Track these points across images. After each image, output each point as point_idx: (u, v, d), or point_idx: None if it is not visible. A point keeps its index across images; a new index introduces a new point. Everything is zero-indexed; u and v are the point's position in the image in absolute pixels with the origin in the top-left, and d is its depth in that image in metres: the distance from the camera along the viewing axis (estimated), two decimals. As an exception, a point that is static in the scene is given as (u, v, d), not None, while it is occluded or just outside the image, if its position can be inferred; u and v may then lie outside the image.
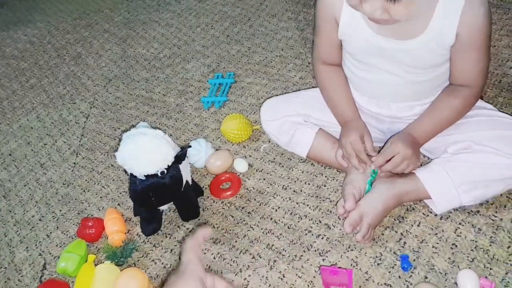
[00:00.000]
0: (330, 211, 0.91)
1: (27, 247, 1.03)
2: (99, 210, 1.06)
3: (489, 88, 1.04)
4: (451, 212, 0.83)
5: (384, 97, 0.89)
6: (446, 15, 0.72)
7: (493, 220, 0.81)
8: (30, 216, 1.11)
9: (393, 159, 0.80)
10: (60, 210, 1.09)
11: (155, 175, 0.81)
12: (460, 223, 0.82)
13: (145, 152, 0.79)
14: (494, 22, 1.21)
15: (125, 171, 0.84)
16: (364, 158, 0.84)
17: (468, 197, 0.79)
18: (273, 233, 0.90)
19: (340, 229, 0.87)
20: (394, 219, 0.86)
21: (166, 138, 0.83)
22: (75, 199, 1.11)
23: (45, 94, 1.51)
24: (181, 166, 0.88)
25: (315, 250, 0.85)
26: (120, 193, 1.08)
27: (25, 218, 1.10)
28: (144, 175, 0.81)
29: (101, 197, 1.09)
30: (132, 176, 0.83)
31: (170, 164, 0.82)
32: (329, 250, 0.84)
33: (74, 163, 1.21)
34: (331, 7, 0.81)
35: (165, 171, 0.82)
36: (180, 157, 0.84)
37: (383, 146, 0.86)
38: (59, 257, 0.96)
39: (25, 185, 1.20)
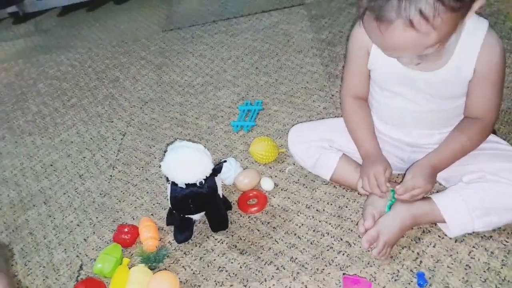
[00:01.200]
0: (351, 230, 0.97)
1: (65, 249, 1.11)
2: (133, 219, 1.14)
3: (502, 125, 1.12)
4: (465, 236, 0.89)
5: (406, 124, 0.96)
6: (466, 51, 0.81)
7: (504, 245, 0.87)
8: (69, 221, 1.19)
9: (413, 191, 0.86)
10: (97, 217, 1.18)
11: (194, 185, 0.90)
12: (473, 246, 0.88)
13: (188, 163, 0.88)
14: (507, 65, 1.30)
15: (167, 180, 0.93)
16: (385, 190, 0.89)
17: (481, 223, 0.85)
18: (296, 248, 0.97)
19: (360, 247, 0.93)
20: (411, 240, 0.92)
21: (206, 152, 0.92)
22: (111, 208, 1.20)
23: (84, 113, 1.63)
24: (216, 179, 0.96)
25: (336, 265, 0.91)
26: (154, 205, 1.17)
27: (64, 223, 1.19)
28: (185, 184, 0.90)
29: (135, 207, 1.18)
30: (173, 184, 0.92)
31: (208, 175, 0.91)
32: (349, 265, 0.90)
33: (111, 175, 1.31)
34: (362, 40, 0.89)
35: (203, 181, 0.91)
36: (217, 170, 0.92)
37: (404, 174, 0.93)
38: (95, 259, 1.04)
39: (64, 193, 1.29)
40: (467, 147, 0.88)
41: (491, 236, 0.88)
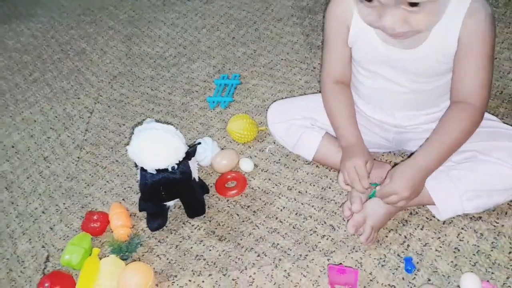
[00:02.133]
0: (335, 213, 0.92)
1: (30, 239, 1.03)
2: (103, 204, 1.06)
3: (490, 99, 1.07)
4: (453, 218, 0.86)
5: (388, 105, 0.90)
6: (449, 20, 0.73)
7: (494, 226, 0.83)
8: (33, 208, 1.10)
9: (390, 198, 0.79)
10: (64, 203, 1.09)
11: (166, 170, 0.82)
12: (462, 228, 0.84)
13: (157, 146, 0.80)
14: (496, 35, 1.24)
15: (136, 165, 0.85)
16: (367, 186, 0.82)
17: (471, 205, 0.81)
18: (278, 232, 0.92)
19: (345, 231, 0.89)
20: (398, 222, 0.88)
21: (178, 133, 0.84)
22: (79, 193, 1.11)
23: (48, 88, 1.51)
24: (190, 163, 0.89)
25: (320, 250, 0.86)
26: (125, 188, 1.09)
27: (28, 210, 1.10)
28: (155, 170, 0.82)
29: (105, 191, 1.10)
30: (142, 170, 0.84)
31: (181, 159, 0.83)
32: (334, 251, 0.86)
33: (78, 157, 1.22)
34: (343, 16, 0.83)
35: (176, 166, 0.83)
36: (190, 153, 0.85)
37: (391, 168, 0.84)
38: (62, 249, 0.96)
39: (28, 178, 1.19)
40: (458, 141, 0.79)
41: (480, 217, 0.85)
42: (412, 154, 0.84)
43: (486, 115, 0.88)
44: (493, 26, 0.75)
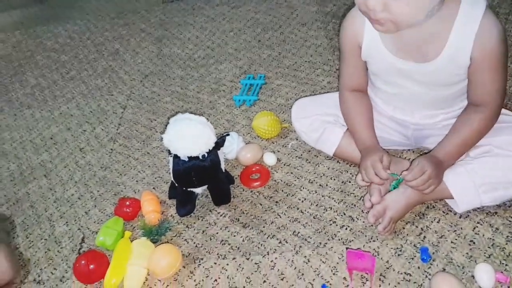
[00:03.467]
0: (354, 205, 0.97)
1: (66, 222, 1.11)
2: (135, 192, 1.13)
3: (510, 101, 1.10)
4: (470, 212, 0.89)
5: (407, 106, 0.94)
6: (461, 38, 0.76)
7: (510, 221, 0.86)
8: (70, 194, 1.18)
9: (421, 177, 0.82)
10: (98, 191, 1.17)
11: (197, 158, 0.89)
12: (478, 222, 0.87)
13: (190, 135, 0.86)
14: (508, 49, 1.26)
15: (169, 153, 0.91)
16: (385, 177, 0.85)
17: (488, 198, 0.84)
18: (299, 222, 0.96)
19: (364, 222, 0.93)
20: (415, 215, 0.91)
21: (209, 124, 0.90)
22: (112, 181, 1.19)
23: (84, 86, 1.60)
24: (218, 153, 0.95)
25: (339, 239, 0.91)
26: (155, 178, 1.16)
27: (65, 196, 1.18)
28: (187, 157, 0.88)
29: (137, 181, 1.17)
30: (175, 157, 0.90)
31: (210, 148, 0.90)
32: (352, 240, 0.90)
33: (111, 149, 1.29)
34: (353, 33, 0.87)
35: (206, 154, 0.89)
36: (219, 143, 0.91)
37: (411, 163, 0.87)
38: (97, 232, 1.03)
39: (65, 167, 1.28)
40: (473, 140, 0.84)
41: (496, 212, 0.88)
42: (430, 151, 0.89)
43: (502, 110, 0.90)
44: (505, 42, 0.77)
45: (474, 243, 0.84)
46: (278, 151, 1.15)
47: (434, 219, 0.90)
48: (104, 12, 2.07)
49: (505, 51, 0.78)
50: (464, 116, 0.85)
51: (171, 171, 0.94)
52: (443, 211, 0.91)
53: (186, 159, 0.89)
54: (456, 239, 0.86)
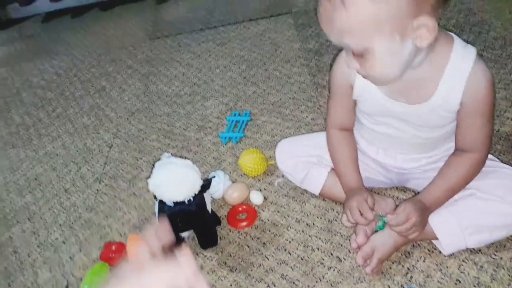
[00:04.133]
0: (341, 245, 0.97)
1: (50, 268, 1.08)
2: (121, 235, 1.12)
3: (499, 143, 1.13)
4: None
5: (391, 148, 0.95)
6: (452, 84, 0.78)
7: (493, 258, 0.87)
8: (54, 238, 1.16)
9: (405, 225, 0.82)
10: (83, 234, 1.15)
11: (183, 202, 0.89)
12: (463, 260, 0.88)
13: (176, 180, 0.86)
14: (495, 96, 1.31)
15: (155, 197, 0.91)
16: (371, 217, 0.85)
17: (473, 240, 0.85)
18: (287, 264, 0.96)
19: (351, 262, 0.93)
20: (401, 254, 0.92)
21: (195, 168, 0.91)
22: (98, 224, 1.17)
23: (70, 124, 1.60)
24: (205, 195, 0.95)
25: (327, 281, 0.91)
26: (142, 220, 1.15)
27: (49, 240, 1.16)
28: (173, 202, 0.88)
29: (123, 223, 1.16)
30: (161, 203, 0.90)
31: (196, 192, 0.90)
32: (340, 282, 0.90)
33: (97, 189, 1.29)
34: (345, 73, 0.88)
35: (192, 199, 0.90)
36: (205, 186, 0.91)
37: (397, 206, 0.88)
38: (81, 279, 1.01)
39: (49, 209, 1.26)
40: (460, 186, 0.85)
41: (479, 250, 0.89)
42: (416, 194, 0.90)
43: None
44: (494, 90, 0.79)
45: (460, 282, 0.85)
46: (265, 189, 1.15)
47: (420, 258, 0.90)
48: (91, 49, 2.09)
49: (494, 99, 0.80)
50: (452, 162, 0.86)
51: (156, 216, 0.94)
52: (428, 249, 0.91)
53: (172, 204, 0.89)
54: (442, 278, 0.86)
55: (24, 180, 1.39)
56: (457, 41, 0.78)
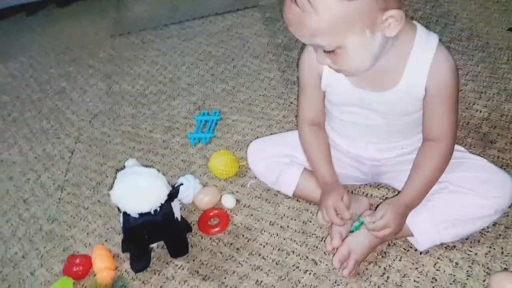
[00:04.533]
0: (316, 247, 0.94)
1: (9, 286, 1.01)
2: (86, 246, 1.06)
3: (458, 130, 1.13)
4: (430, 247, 0.89)
5: (361, 137, 0.94)
6: (416, 70, 0.78)
7: (468, 254, 0.87)
8: (13, 253, 1.09)
9: (383, 231, 0.82)
10: (45, 247, 1.08)
11: (148, 213, 0.84)
12: (438, 258, 0.87)
13: (140, 191, 0.81)
14: (460, 67, 1.32)
15: (118, 209, 0.86)
16: (347, 217, 0.85)
17: (448, 234, 0.85)
18: (261, 269, 0.93)
19: (327, 265, 0.91)
20: (377, 254, 0.90)
21: (160, 176, 0.85)
22: (60, 235, 1.10)
23: (28, 129, 1.51)
24: (172, 204, 0.90)
25: (303, 286, 0.88)
26: (107, 229, 1.09)
27: (8, 256, 1.09)
28: (138, 213, 0.83)
29: (87, 233, 1.09)
30: (125, 215, 0.85)
31: (163, 202, 0.85)
32: (316, 286, 0.87)
33: (59, 198, 1.21)
34: (313, 66, 0.86)
35: (158, 209, 0.85)
36: (173, 195, 0.86)
37: (376, 207, 0.88)
38: (43, 296, 0.95)
39: (7, 221, 1.18)
40: (435, 178, 0.85)
41: (454, 246, 0.88)
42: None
43: (458, 147, 0.92)
44: (457, 77, 0.80)
45: (436, 280, 0.84)
46: (237, 192, 1.11)
47: (396, 257, 0.89)
48: (49, 48, 1.98)
49: (457, 84, 0.81)
50: (422, 155, 0.86)
51: (122, 227, 0.88)
52: (404, 248, 0.90)
53: (137, 216, 0.83)
54: (418, 277, 0.85)
55: (-22, 191, 1.30)
56: (420, 29, 0.79)
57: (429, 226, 0.84)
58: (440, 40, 0.79)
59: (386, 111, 0.85)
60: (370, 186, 1.05)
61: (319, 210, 0.90)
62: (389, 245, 0.91)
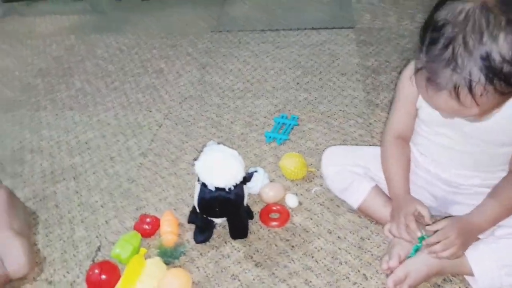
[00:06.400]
0: (370, 263, 0.96)
1: (86, 228, 1.14)
2: (156, 210, 1.16)
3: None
4: (486, 292, 0.87)
5: (444, 160, 0.93)
6: None
7: (527, 309, 0.84)
8: (94, 201, 1.22)
9: (442, 242, 0.82)
10: (121, 202, 1.20)
11: (223, 189, 0.91)
12: (494, 304, 0.85)
13: (221, 167, 0.89)
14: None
15: (198, 179, 0.94)
16: (418, 235, 0.85)
17: (509, 280, 0.83)
18: (312, 271, 0.96)
19: (377, 282, 0.92)
20: (431, 286, 0.90)
21: (240, 159, 0.93)
22: (136, 195, 1.22)
23: (125, 97, 1.67)
24: (244, 187, 0.97)
25: (349, 296, 0.90)
26: (178, 200, 1.18)
27: (89, 202, 1.22)
28: (215, 187, 0.91)
29: (160, 199, 1.20)
30: (203, 185, 0.93)
31: (238, 183, 0.92)
32: (362, 299, 0.89)
33: (141, 163, 1.34)
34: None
35: (232, 187, 0.92)
36: (247, 178, 0.94)
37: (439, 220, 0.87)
38: (113, 243, 1.06)
39: (94, 173, 1.32)
40: (509, 208, 0.84)
41: None
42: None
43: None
44: None
45: (487, 325, 0.82)
46: (301, 194, 1.16)
47: (449, 293, 0.88)
48: (155, 31, 2.17)
49: None
50: (504, 183, 0.86)
51: (196, 197, 0.97)
52: (459, 287, 0.89)
53: (213, 189, 0.91)
54: (469, 318, 0.84)
55: (75, 142, 1.47)
56: None
57: (492, 267, 0.83)
58: None
59: (479, 138, 0.84)
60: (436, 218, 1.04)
61: (388, 222, 0.91)
62: (444, 279, 0.91)
